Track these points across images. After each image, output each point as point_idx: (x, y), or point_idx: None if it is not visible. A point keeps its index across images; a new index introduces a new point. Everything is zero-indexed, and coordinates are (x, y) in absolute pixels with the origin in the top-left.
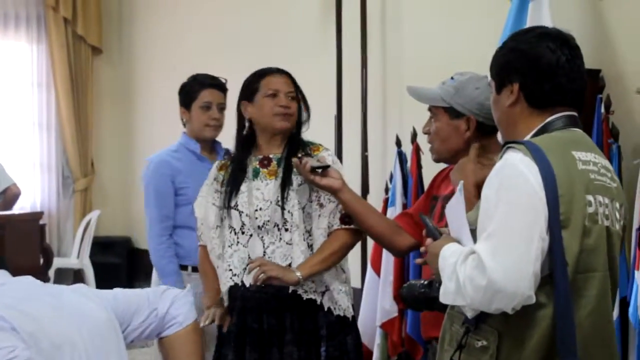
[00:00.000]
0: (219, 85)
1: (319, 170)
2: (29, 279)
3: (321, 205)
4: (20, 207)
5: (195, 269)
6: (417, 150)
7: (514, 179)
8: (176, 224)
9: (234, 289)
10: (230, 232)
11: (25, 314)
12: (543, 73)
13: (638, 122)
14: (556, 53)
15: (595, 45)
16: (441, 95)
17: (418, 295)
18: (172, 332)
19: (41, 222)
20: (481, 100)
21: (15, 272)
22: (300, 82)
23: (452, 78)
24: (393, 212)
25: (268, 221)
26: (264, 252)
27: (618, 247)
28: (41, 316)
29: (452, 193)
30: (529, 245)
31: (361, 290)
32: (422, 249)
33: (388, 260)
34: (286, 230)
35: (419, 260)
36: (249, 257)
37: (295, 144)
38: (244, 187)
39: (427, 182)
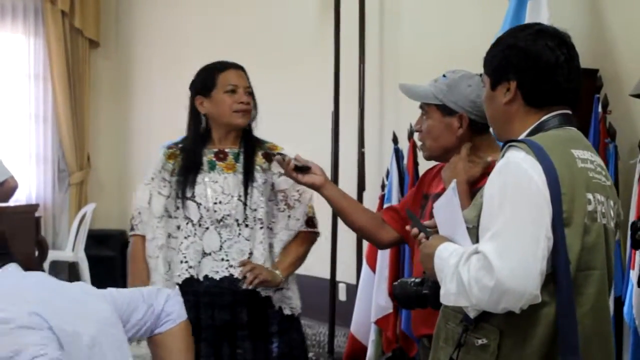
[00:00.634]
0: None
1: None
2: (44, 275)
3: (289, 207)
4: (16, 200)
5: None
6: (413, 147)
7: (518, 178)
8: None
9: (187, 283)
10: (187, 224)
11: (62, 310)
12: (542, 72)
13: (635, 122)
14: (555, 52)
15: (593, 45)
16: (434, 92)
17: (410, 293)
18: (165, 329)
19: (36, 214)
20: (473, 98)
21: None
22: (298, 78)
23: (444, 76)
24: None
25: (228, 215)
26: (221, 246)
27: (614, 245)
28: (74, 314)
29: (444, 191)
30: (535, 245)
31: (356, 286)
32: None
33: (383, 256)
34: (246, 226)
35: (411, 230)
36: (204, 250)
37: (250, 140)
38: (199, 179)
39: None
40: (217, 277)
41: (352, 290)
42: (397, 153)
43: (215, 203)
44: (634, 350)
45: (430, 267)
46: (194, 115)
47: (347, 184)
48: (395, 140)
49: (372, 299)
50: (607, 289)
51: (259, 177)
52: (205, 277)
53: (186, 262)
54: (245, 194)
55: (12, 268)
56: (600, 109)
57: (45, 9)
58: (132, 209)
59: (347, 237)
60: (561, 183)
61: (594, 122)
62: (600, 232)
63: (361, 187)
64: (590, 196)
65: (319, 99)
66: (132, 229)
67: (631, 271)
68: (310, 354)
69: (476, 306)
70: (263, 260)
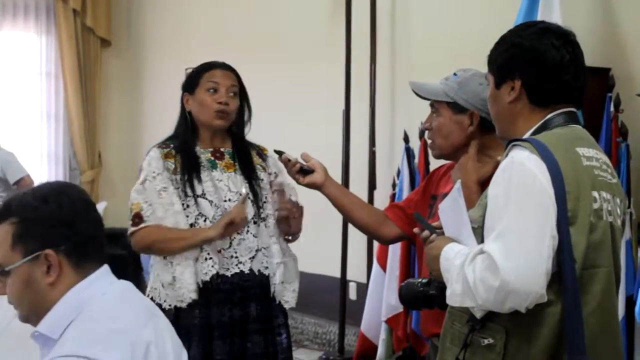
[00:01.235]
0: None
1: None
2: (129, 284)
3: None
4: None
5: None
6: (425, 146)
7: (523, 177)
8: None
9: (208, 282)
10: (205, 221)
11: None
12: (548, 71)
13: None
14: (560, 51)
15: (605, 44)
16: (444, 90)
17: (417, 294)
18: None
19: None
20: (484, 96)
21: None
22: (309, 78)
23: (455, 74)
24: None
25: None
26: (230, 243)
27: (620, 242)
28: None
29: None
30: (541, 244)
31: (367, 285)
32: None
33: (394, 255)
34: (254, 223)
35: (420, 233)
36: (216, 247)
37: (240, 141)
38: (204, 177)
39: None
40: (228, 273)
41: (362, 289)
42: (408, 152)
43: (225, 201)
44: None
45: (437, 268)
46: (184, 113)
47: (358, 182)
48: (406, 139)
49: (383, 297)
50: (614, 286)
51: (263, 176)
52: (217, 274)
53: (210, 258)
54: (254, 193)
55: (106, 269)
56: (612, 108)
57: (57, 8)
58: (133, 207)
59: (357, 236)
60: (566, 181)
61: (605, 121)
62: (606, 229)
63: (372, 185)
64: (595, 194)
65: (330, 98)
66: (136, 224)
67: None
68: (321, 353)
69: (482, 306)
70: (282, 254)
